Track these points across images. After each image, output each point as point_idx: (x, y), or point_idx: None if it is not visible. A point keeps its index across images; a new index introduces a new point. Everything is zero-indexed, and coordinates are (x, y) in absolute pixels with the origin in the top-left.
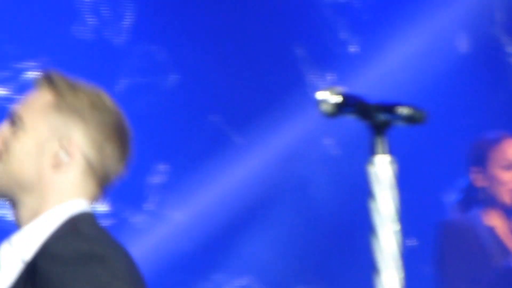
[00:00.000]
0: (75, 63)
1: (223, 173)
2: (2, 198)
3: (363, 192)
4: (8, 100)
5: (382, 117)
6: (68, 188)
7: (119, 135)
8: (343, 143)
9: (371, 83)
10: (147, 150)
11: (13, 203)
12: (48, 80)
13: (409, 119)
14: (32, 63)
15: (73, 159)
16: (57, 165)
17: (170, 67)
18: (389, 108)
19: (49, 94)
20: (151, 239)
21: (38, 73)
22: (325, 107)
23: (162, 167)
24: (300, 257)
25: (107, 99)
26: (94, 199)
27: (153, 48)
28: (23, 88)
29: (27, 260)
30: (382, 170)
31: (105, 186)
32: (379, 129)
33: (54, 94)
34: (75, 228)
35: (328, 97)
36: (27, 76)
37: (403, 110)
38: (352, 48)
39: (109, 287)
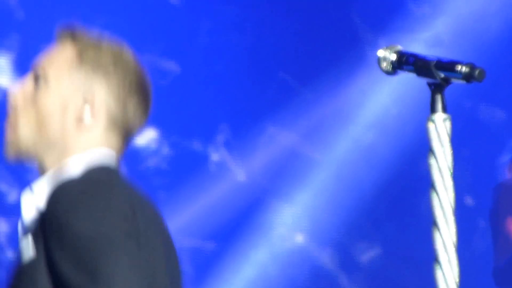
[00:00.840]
0: (143, 24)
1: (287, 128)
2: (25, 154)
3: (420, 149)
4: None
5: (441, 74)
6: (91, 142)
7: (142, 90)
8: (401, 100)
9: (430, 42)
10: (217, 106)
11: (36, 159)
12: (71, 34)
13: (468, 77)
14: (99, 21)
15: (97, 115)
16: (81, 121)
17: (240, 28)
18: (448, 65)
19: (71, 49)
20: (212, 195)
21: (60, 27)
22: (384, 65)
23: (225, 125)
24: (357, 215)
25: (130, 54)
26: (117, 151)
27: (224, 8)
28: None
29: (41, 206)
30: (441, 127)
31: (127, 139)
32: (437, 86)
33: (76, 49)
34: (87, 173)
35: (388, 55)
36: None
37: (462, 68)
38: (412, 7)
39: (105, 222)
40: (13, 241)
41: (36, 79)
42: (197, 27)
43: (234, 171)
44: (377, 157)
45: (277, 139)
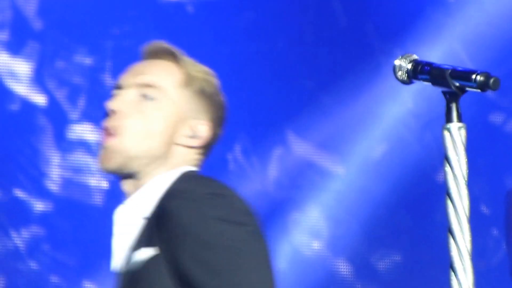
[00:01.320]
0: (160, 32)
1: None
2: (124, 165)
3: (436, 158)
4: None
5: (456, 83)
6: (186, 161)
7: (225, 120)
8: (417, 109)
9: (445, 51)
10: (235, 115)
11: (132, 175)
12: (172, 55)
13: (483, 86)
14: (116, 31)
15: (201, 140)
16: (187, 143)
17: (257, 35)
18: (463, 74)
19: (178, 71)
20: None
21: (153, 43)
22: (400, 74)
23: (243, 133)
24: (374, 223)
25: (219, 84)
26: (199, 168)
27: (241, 16)
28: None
29: (148, 215)
30: (456, 136)
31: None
32: (453, 95)
33: (184, 73)
34: (192, 177)
35: (403, 64)
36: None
37: (477, 77)
38: (428, 17)
39: (227, 218)
40: (33, 250)
41: (145, 95)
42: (214, 34)
43: (252, 179)
44: (393, 165)
45: (295, 149)
